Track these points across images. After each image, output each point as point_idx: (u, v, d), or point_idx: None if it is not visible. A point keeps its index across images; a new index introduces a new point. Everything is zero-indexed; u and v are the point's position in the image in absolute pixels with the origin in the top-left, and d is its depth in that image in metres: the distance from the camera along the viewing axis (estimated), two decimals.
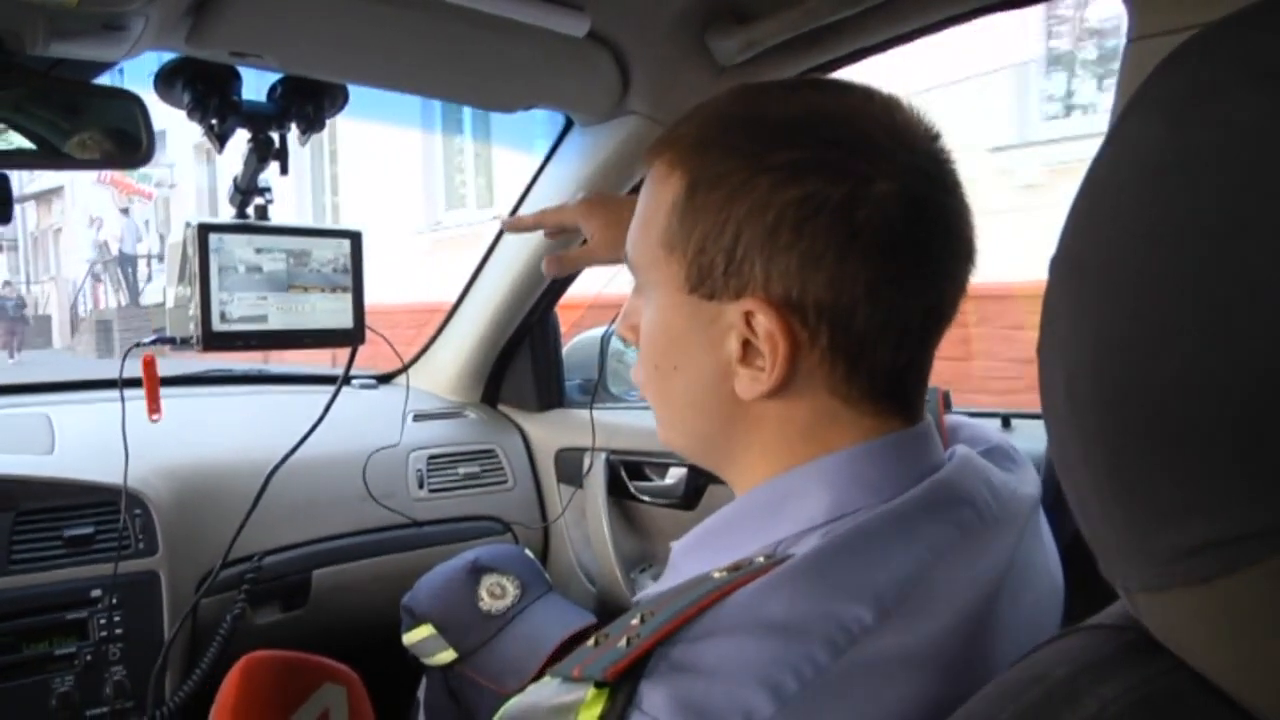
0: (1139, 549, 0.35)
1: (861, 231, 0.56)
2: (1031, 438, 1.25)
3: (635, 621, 0.53)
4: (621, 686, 0.48)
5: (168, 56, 1.16)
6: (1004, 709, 0.40)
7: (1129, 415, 0.33)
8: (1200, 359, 0.30)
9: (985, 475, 0.66)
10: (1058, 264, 0.38)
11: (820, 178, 0.57)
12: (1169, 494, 0.32)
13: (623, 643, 0.50)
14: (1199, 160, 0.32)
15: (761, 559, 0.56)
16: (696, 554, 0.66)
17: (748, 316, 0.59)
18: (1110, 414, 0.34)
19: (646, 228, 0.65)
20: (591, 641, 0.53)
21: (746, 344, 0.60)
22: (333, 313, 1.32)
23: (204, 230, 1.21)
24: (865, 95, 0.62)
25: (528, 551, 1.61)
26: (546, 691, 0.51)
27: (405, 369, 2.10)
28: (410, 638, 1.43)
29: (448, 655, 1.40)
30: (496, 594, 1.45)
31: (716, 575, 0.55)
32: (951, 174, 0.62)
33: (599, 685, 0.49)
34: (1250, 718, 0.34)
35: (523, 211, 1.77)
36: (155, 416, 1.34)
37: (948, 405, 0.93)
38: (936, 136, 0.62)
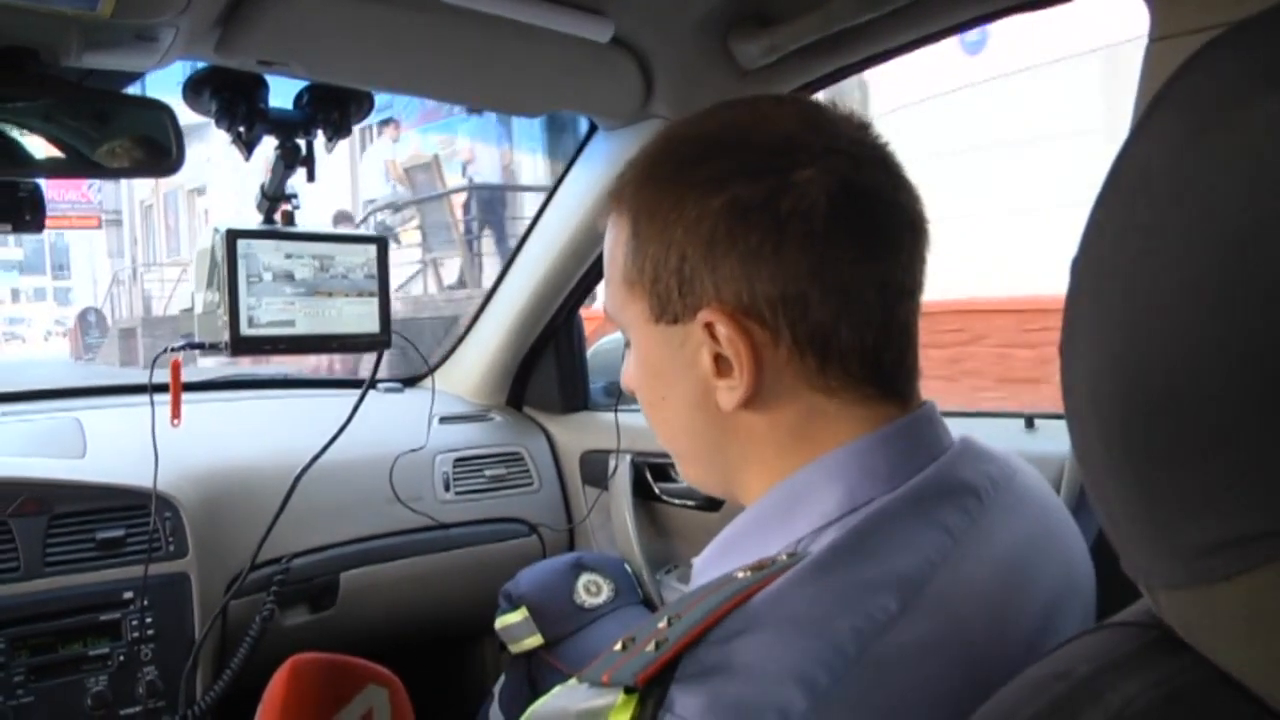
0: (1161, 547, 0.35)
1: (790, 220, 0.58)
2: (1055, 439, 1.25)
3: (663, 625, 0.53)
4: (651, 691, 0.49)
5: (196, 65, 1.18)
6: (1029, 705, 0.41)
7: (1150, 415, 0.33)
8: (1220, 359, 0.31)
9: (984, 464, 0.66)
10: (1080, 265, 0.38)
11: (741, 180, 0.59)
12: (1190, 492, 0.32)
13: (651, 647, 0.51)
14: (1218, 164, 0.32)
15: (784, 557, 0.57)
16: (718, 565, 0.66)
17: (709, 329, 0.61)
18: (1132, 413, 0.34)
19: (611, 272, 0.68)
20: (619, 646, 0.53)
21: (718, 357, 0.62)
22: (359, 317, 1.33)
23: (232, 236, 1.22)
24: (776, 101, 0.66)
25: (628, 566, 1.64)
26: (576, 696, 0.52)
27: (431, 372, 2.11)
28: (503, 621, 1.47)
29: (534, 640, 1.44)
30: (592, 591, 1.50)
31: (741, 575, 0.56)
32: (880, 152, 0.63)
33: (629, 690, 0.49)
34: (1274, 714, 0.34)
35: (549, 213, 1.78)
36: (176, 421, 1.35)
37: None
38: (864, 125, 0.64)
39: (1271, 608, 0.31)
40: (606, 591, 1.51)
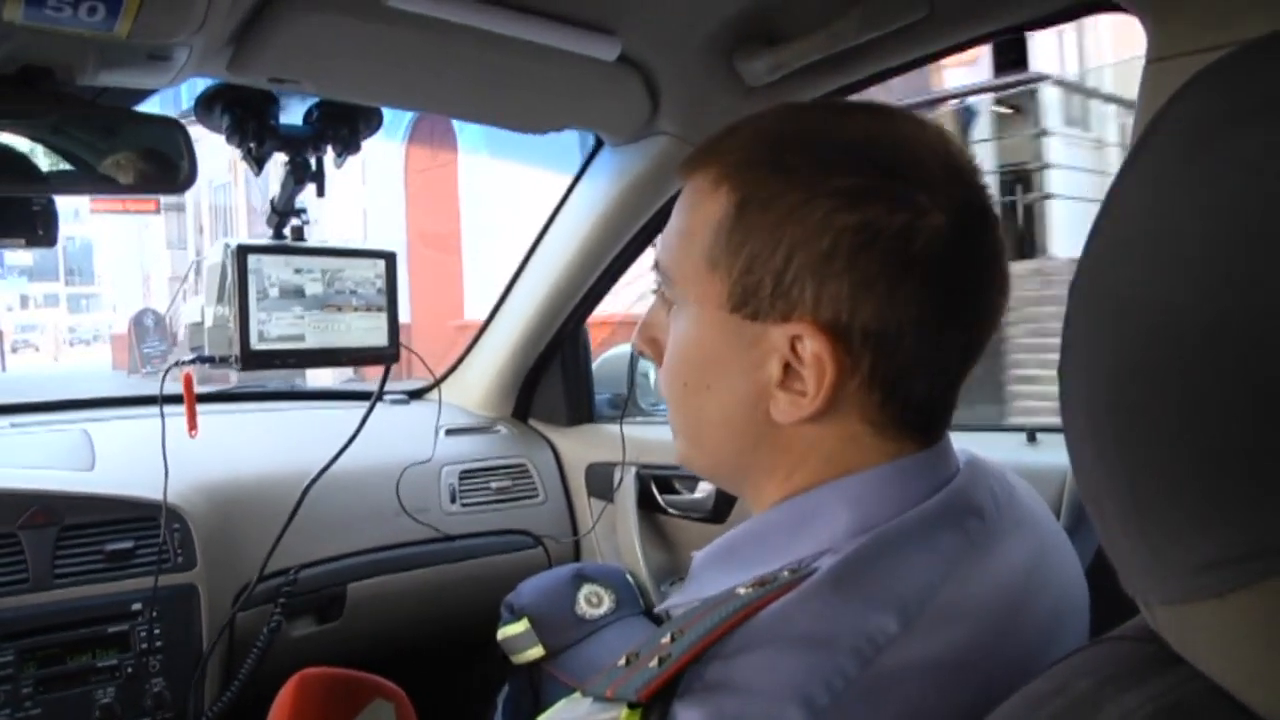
0: (1158, 563, 0.35)
1: (915, 262, 0.56)
2: (1057, 452, 1.26)
3: (666, 640, 0.53)
4: (654, 706, 0.49)
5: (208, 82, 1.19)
6: (1028, 719, 0.41)
7: (1146, 433, 0.34)
8: (1215, 381, 0.31)
9: (989, 483, 0.66)
10: (1078, 287, 0.39)
11: (879, 206, 0.56)
12: (1186, 510, 0.33)
13: (654, 662, 0.51)
14: (1216, 187, 0.32)
15: (787, 574, 0.57)
16: (718, 567, 0.66)
17: (794, 340, 0.58)
18: (1128, 432, 0.35)
19: (688, 242, 0.64)
20: (623, 661, 0.54)
21: (788, 367, 0.59)
22: (368, 331, 1.34)
23: (242, 252, 1.23)
24: (919, 124, 0.62)
25: (629, 576, 1.64)
26: (579, 711, 0.52)
27: (437, 384, 2.12)
28: (505, 632, 1.47)
29: (536, 652, 1.44)
30: (594, 602, 1.51)
31: (742, 591, 0.56)
32: (990, 207, 0.61)
33: (632, 706, 0.49)
34: None
35: (555, 228, 1.79)
36: (194, 433, 1.36)
37: None
38: (978, 169, 0.62)
39: (1265, 624, 0.32)
40: (608, 602, 1.51)
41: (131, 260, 22.06)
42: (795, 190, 0.58)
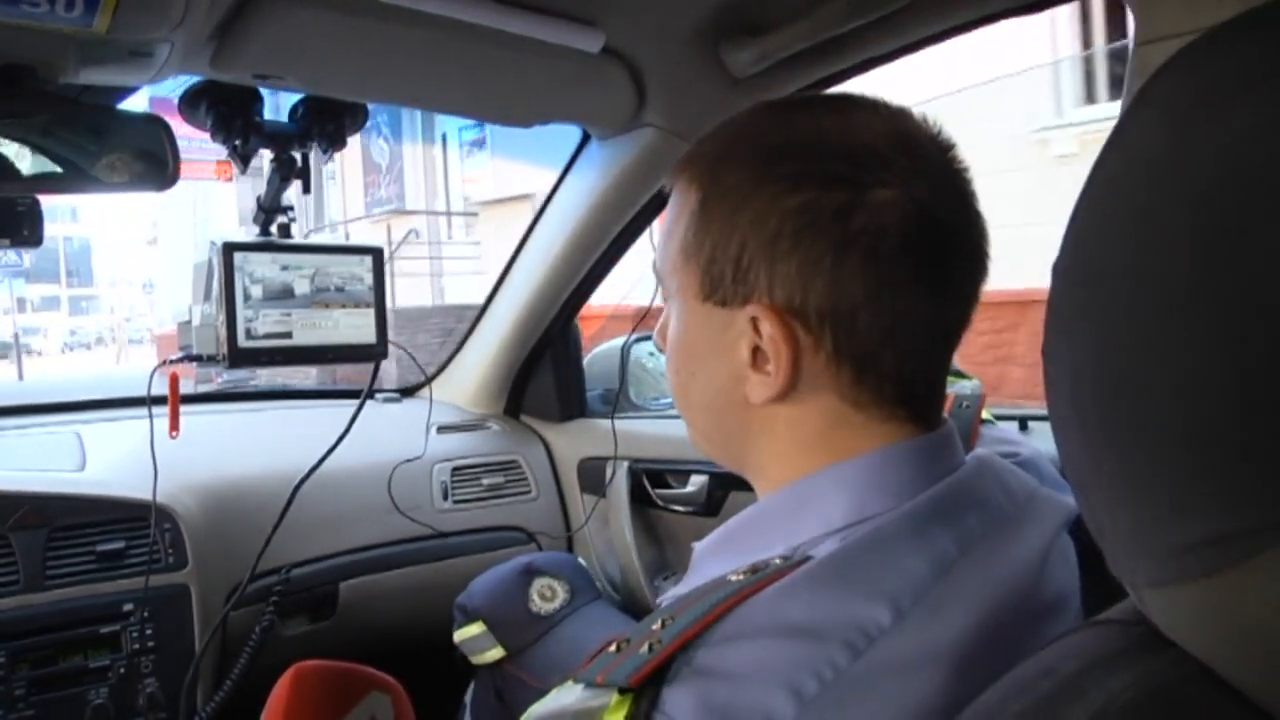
0: (1143, 545, 0.35)
1: (858, 238, 0.58)
2: (1049, 440, 1.26)
3: (656, 626, 0.53)
4: (645, 692, 0.49)
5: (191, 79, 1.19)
6: (1014, 703, 0.41)
7: (1130, 416, 0.34)
8: (1197, 360, 0.31)
9: (1001, 477, 0.66)
10: (1061, 268, 0.39)
11: (818, 187, 0.58)
12: (1170, 492, 0.33)
13: (644, 648, 0.51)
14: (1197, 165, 0.32)
15: (779, 561, 0.57)
16: (718, 554, 0.67)
17: (754, 322, 0.61)
18: (1112, 415, 0.35)
19: (669, 238, 0.68)
20: (614, 647, 0.54)
21: (756, 350, 0.62)
22: (356, 328, 1.34)
23: (229, 249, 1.23)
24: (871, 108, 0.63)
25: (580, 560, 1.63)
26: (571, 697, 0.52)
27: (428, 382, 2.12)
28: (461, 635, 1.46)
29: (496, 653, 1.43)
30: (547, 596, 1.48)
31: (735, 579, 0.56)
32: (961, 184, 0.62)
33: (622, 691, 0.49)
34: (1254, 708, 0.34)
35: (544, 223, 1.79)
36: (174, 434, 1.36)
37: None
38: (948, 148, 0.63)
39: (1251, 602, 0.32)
40: (562, 594, 1.49)
41: (177, 242, 20.44)
42: (745, 182, 0.61)
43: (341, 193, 15.11)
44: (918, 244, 0.59)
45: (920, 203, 0.59)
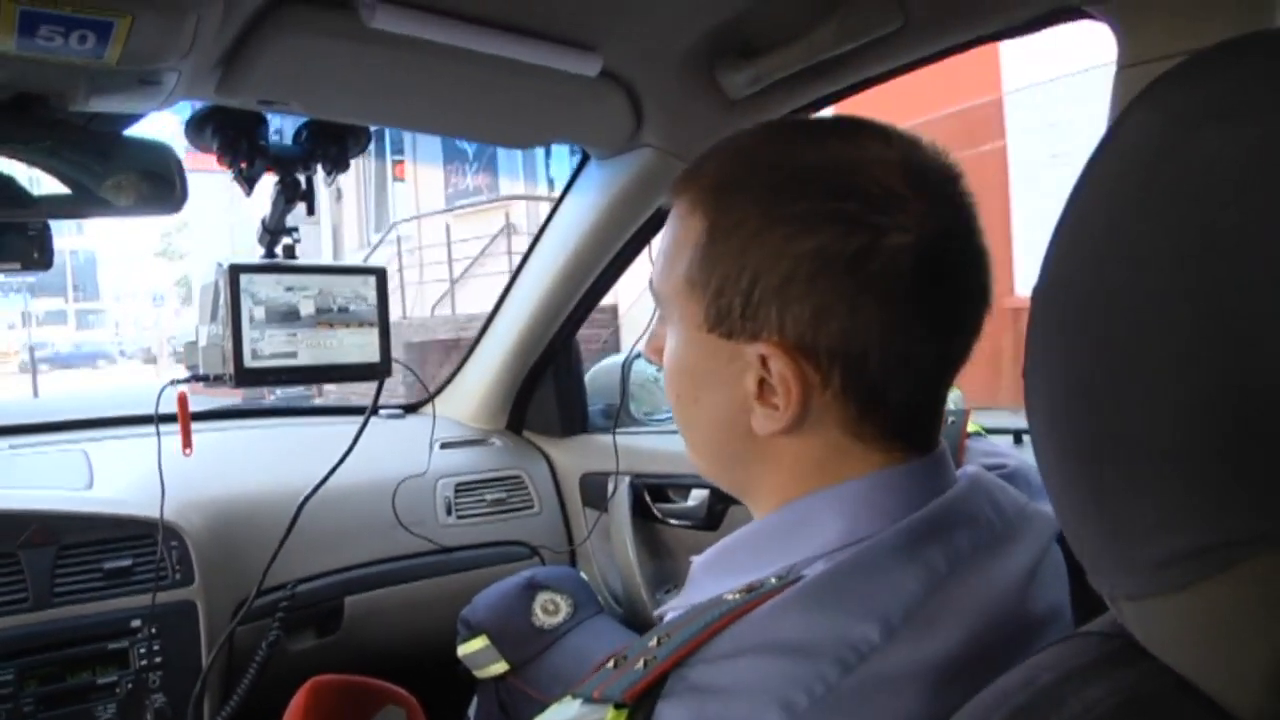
0: (1120, 559, 0.36)
1: (874, 284, 0.57)
2: None
3: (652, 644, 0.54)
4: (640, 707, 0.50)
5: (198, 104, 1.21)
6: (995, 712, 0.42)
7: (1106, 434, 0.35)
8: (1170, 379, 0.32)
9: (992, 494, 0.66)
10: (1040, 290, 0.40)
11: (833, 230, 0.57)
12: (1145, 508, 0.34)
13: (640, 664, 0.52)
14: (1174, 189, 0.33)
15: (774, 580, 0.58)
16: (715, 570, 0.67)
17: (763, 359, 0.60)
18: (1089, 433, 0.36)
19: (671, 263, 0.66)
20: (611, 663, 0.55)
21: (762, 383, 0.61)
22: (360, 347, 1.35)
23: (235, 271, 1.25)
24: (884, 139, 0.62)
25: (582, 574, 1.63)
26: (569, 712, 0.53)
27: (432, 398, 2.13)
28: (465, 649, 1.47)
29: (500, 667, 1.43)
30: (550, 610, 1.49)
31: (730, 597, 0.57)
32: (969, 218, 0.61)
33: (618, 706, 0.50)
34: (1229, 718, 0.35)
35: (545, 241, 1.81)
36: (188, 451, 1.38)
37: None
38: (956, 178, 0.62)
39: (1223, 615, 0.33)
40: (565, 608, 1.50)
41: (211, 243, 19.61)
42: (754, 217, 0.60)
43: (414, 188, 14.35)
44: (930, 287, 0.58)
45: (934, 243, 0.58)
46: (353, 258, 13.35)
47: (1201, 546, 0.32)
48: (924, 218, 0.58)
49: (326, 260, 12.61)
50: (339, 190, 14.23)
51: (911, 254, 0.57)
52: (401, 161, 14.50)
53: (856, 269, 0.57)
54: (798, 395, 0.59)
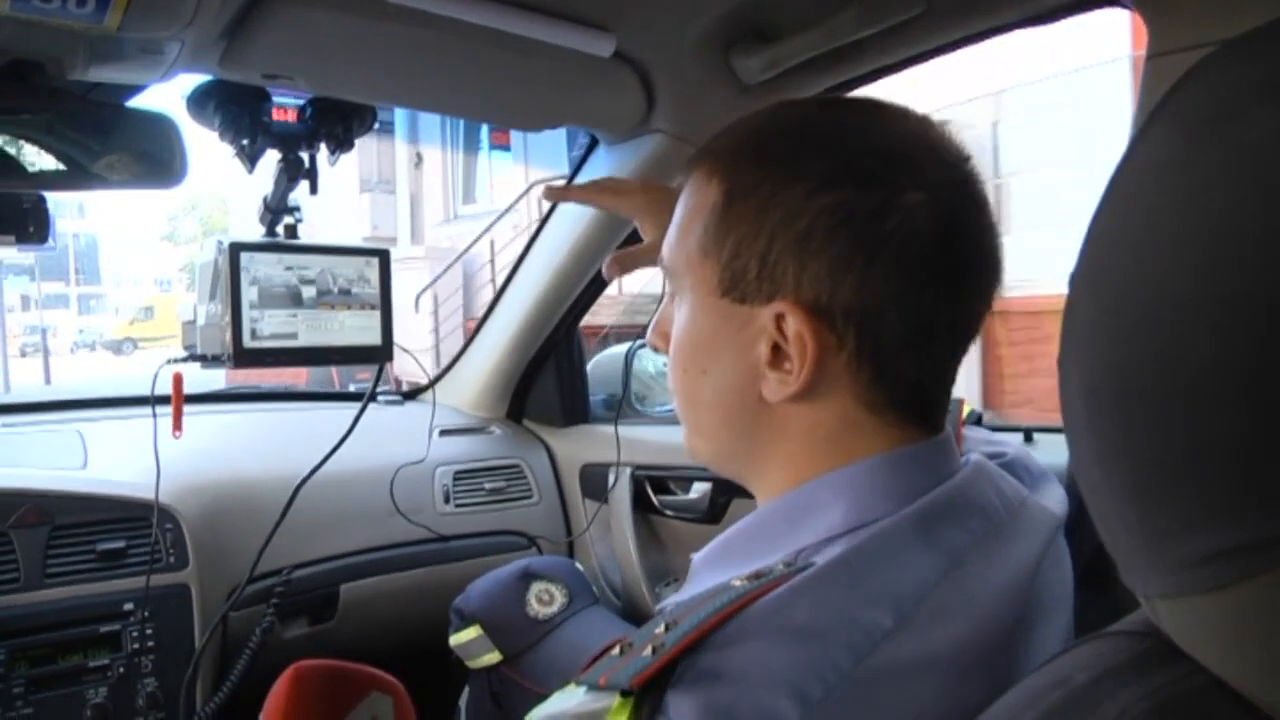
0: (1157, 556, 0.35)
1: (890, 240, 0.58)
2: (1053, 451, 1.25)
3: (660, 630, 0.53)
4: (647, 695, 0.49)
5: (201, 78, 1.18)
6: (1025, 713, 0.41)
7: (1146, 426, 0.34)
8: (1214, 371, 0.31)
9: (996, 483, 0.66)
10: (1078, 278, 0.39)
11: (852, 186, 0.58)
12: (1185, 503, 0.33)
13: (648, 651, 0.51)
14: (1213, 177, 0.32)
15: (782, 566, 0.57)
16: (718, 564, 0.67)
17: (778, 319, 0.60)
18: (1128, 425, 0.35)
19: (683, 234, 0.67)
20: (617, 650, 0.54)
21: (776, 347, 0.61)
22: (361, 329, 1.34)
23: (235, 249, 1.23)
24: (901, 113, 0.64)
25: (578, 564, 1.62)
26: (573, 700, 0.52)
27: (432, 385, 2.12)
28: (458, 639, 1.45)
29: (493, 657, 1.42)
30: (545, 600, 1.47)
31: (737, 584, 0.56)
32: (980, 193, 0.63)
33: (625, 694, 0.49)
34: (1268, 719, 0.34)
35: (550, 227, 1.79)
36: (178, 434, 1.36)
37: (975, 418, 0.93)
38: (968, 158, 0.63)
39: (1265, 616, 0.32)
40: (560, 599, 1.48)
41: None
42: (773, 178, 0.61)
43: (524, 158, 12.08)
44: (945, 248, 0.59)
45: (949, 208, 0.59)
46: (434, 234, 12.08)
47: (1240, 546, 0.31)
48: (939, 182, 0.59)
49: (404, 235, 12.09)
50: (419, 155, 13.06)
51: (927, 213, 0.58)
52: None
53: (875, 224, 0.58)
54: (813, 355, 0.60)
